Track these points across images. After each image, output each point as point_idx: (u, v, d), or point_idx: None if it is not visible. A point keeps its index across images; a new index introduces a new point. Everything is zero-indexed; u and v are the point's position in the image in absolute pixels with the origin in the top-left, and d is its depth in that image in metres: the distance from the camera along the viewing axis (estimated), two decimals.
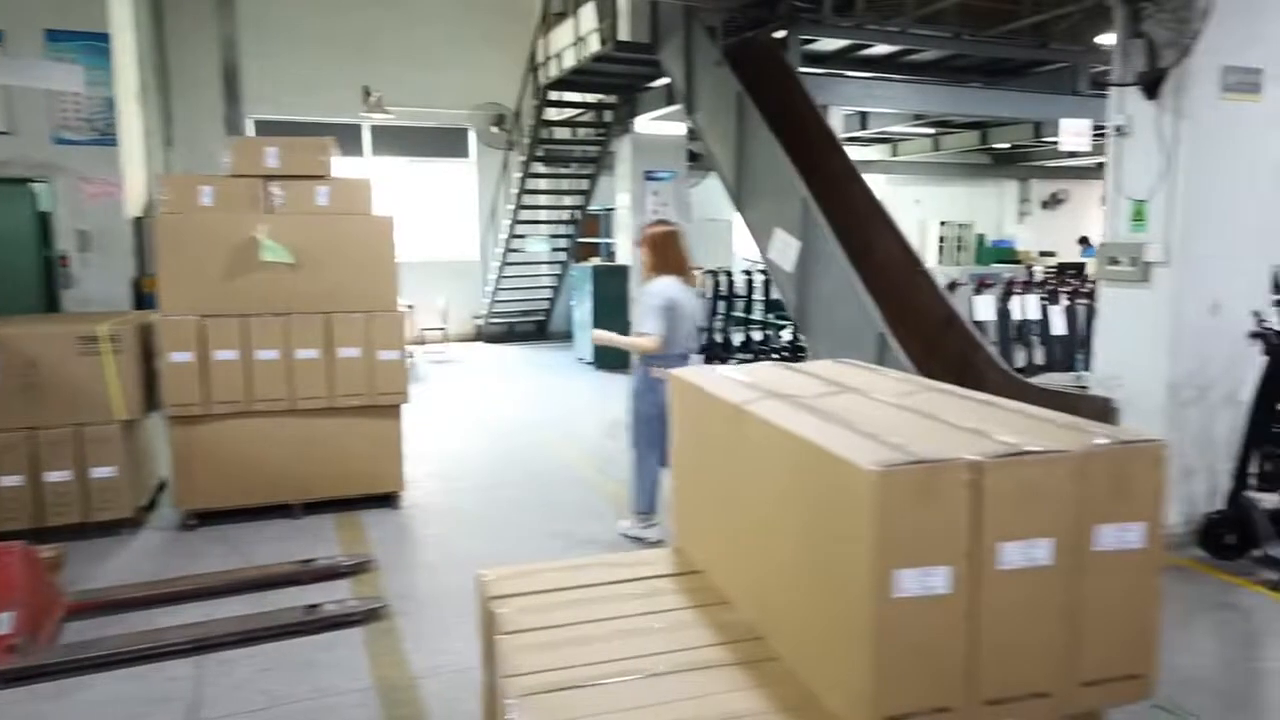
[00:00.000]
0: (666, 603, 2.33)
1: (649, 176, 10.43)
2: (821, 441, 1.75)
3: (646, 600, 2.34)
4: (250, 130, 12.20)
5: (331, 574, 4.23)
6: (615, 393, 9.03)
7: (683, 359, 4.34)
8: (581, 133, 11.94)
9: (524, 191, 11.44)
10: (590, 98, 10.77)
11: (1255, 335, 4.05)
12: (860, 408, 2.06)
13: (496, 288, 12.86)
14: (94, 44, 8.53)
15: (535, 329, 13.72)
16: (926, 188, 16.89)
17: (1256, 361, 4.12)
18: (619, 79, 9.32)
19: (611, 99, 10.40)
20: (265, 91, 12.09)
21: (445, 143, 13.40)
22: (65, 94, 8.28)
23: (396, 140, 13.12)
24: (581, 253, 13.29)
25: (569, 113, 11.37)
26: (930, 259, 16.67)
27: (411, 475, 5.98)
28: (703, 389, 2.42)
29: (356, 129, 12.86)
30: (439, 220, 13.51)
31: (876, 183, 16.85)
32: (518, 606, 2.31)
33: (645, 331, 4.32)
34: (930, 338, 5.73)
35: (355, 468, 5.17)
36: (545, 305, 13.60)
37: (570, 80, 9.61)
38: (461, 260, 13.42)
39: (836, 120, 8.56)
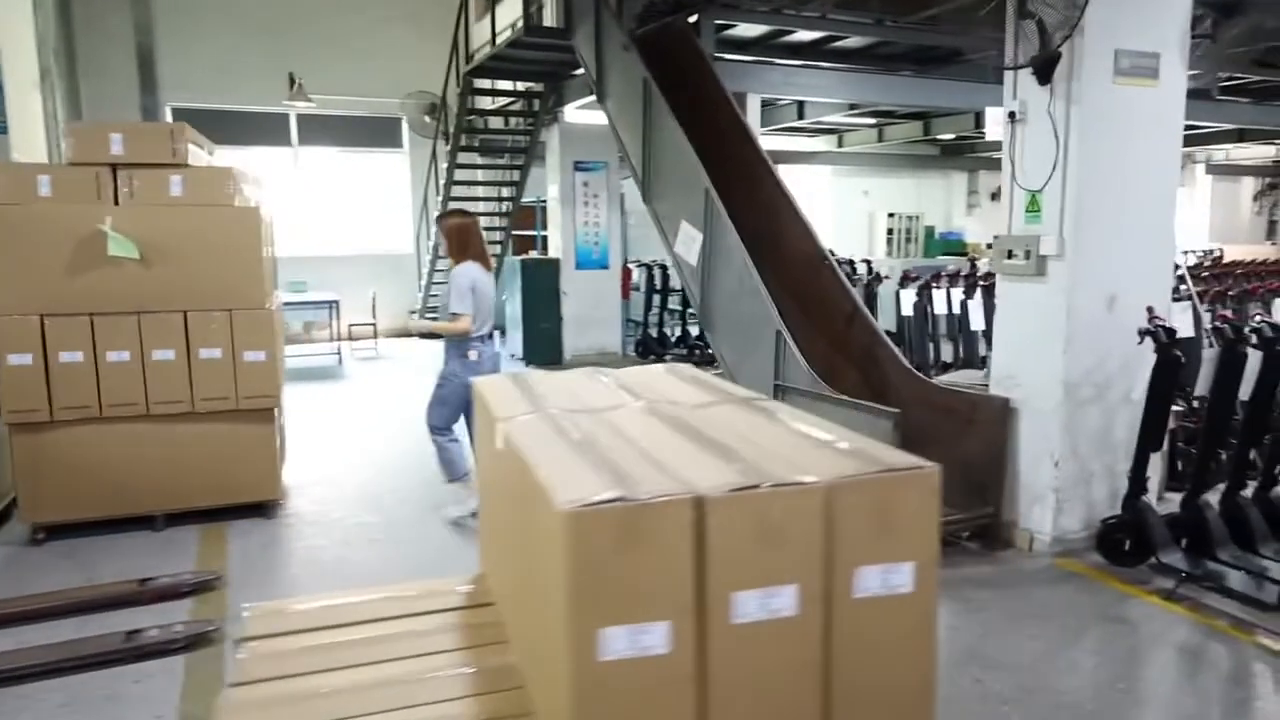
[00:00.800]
0: (440, 643, 2.06)
1: (578, 167, 10.14)
2: (539, 468, 1.50)
3: (419, 640, 2.07)
4: (168, 118, 11.74)
5: (172, 593, 3.91)
6: None
7: (490, 338, 4.80)
8: (511, 122, 11.61)
9: (451, 183, 11.09)
10: (518, 86, 10.44)
11: (1145, 333, 3.86)
12: (628, 426, 1.81)
13: (430, 281, 12.50)
14: None
15: None
16: (874, 179, 16.76)
17: (1150, 359, 3.94)
18: (540, 66, 9.01)
19: (538, 87, 10.08)
20: (183, 78, 11.63)
21: (377, 133, 13.00)
22: None
23: (326, 130, 12.70)
24: (520, 245, 12.97)
25: (499, 101, 11.04)
26: (879, 250, 16.56)
27: (299, 482, 5.68)
28: (485, 397, 2.16)
29: (284, 118, 12.42)
30: (371, 212, 13.13)
31: (823, 174, 16.76)
32: (265, 651, 2.03)
33: (458, 312, 4.60)
34: (837, 333, 5.51)
35: (223, 476, 4.83)
36: None
37: (494, 68, 9.28)
38: (395, 254, 13.04)
39: (756, 109, 8.30)
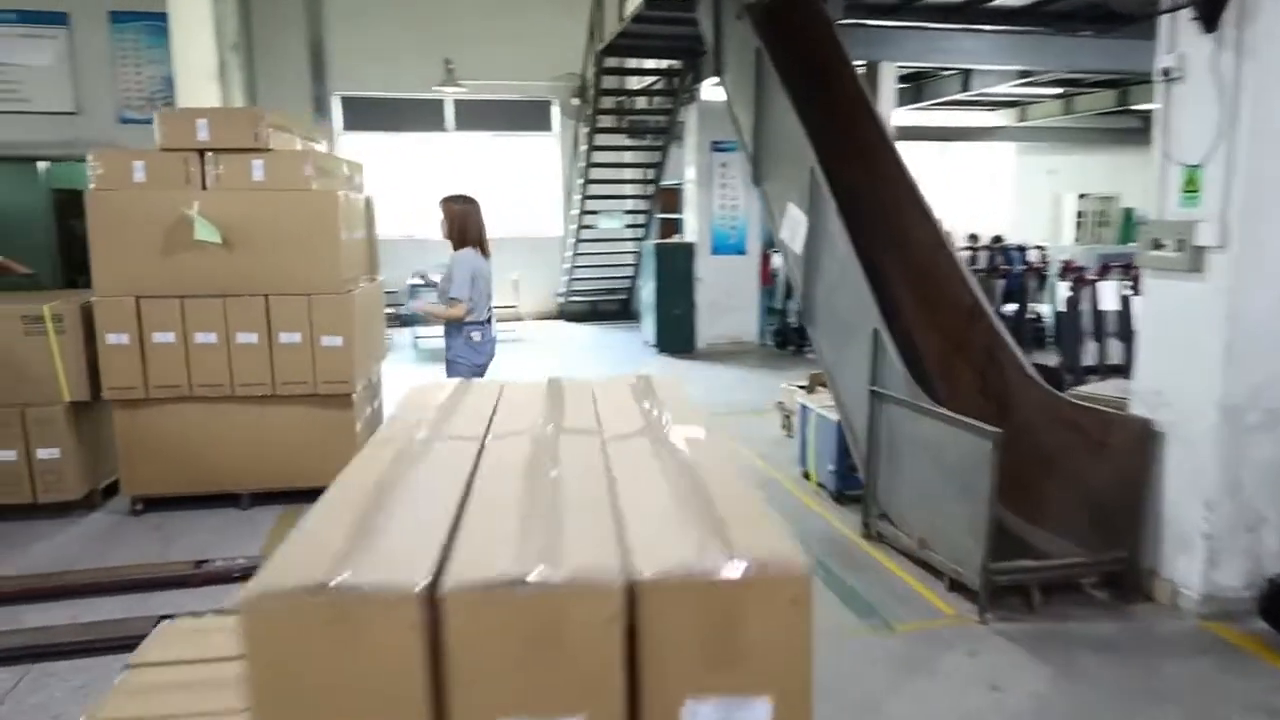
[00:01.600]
0: None
1: (716, 147, 9.68)
2: (303, 526, 1.18)
3: None
4: (336, 107, 12.37)
5: (224, 577, 3.94)
6: (684, 382, 8.44)
7: (489, 323, 4.76)
8: (654, 102, 11.31)
9: (590, 165, 10.95)
10: (655, 63, 10.12)
11: None
12: (485, 466, 1.45)
13: (573, 265, 12.49)
14: (156, 24, 8.69)
15: (619, 308, 13.27)
16: (1062, 157, 15.10)
17: None
18: (669, 41, 8.63)
19: (676, 64, 9.71)
20: (350, 68, 12.17)
21: (528, 116, 13.09)
22: (126, 70, 8.51)
23: (480, 114, 12.93)
24: (665, 229, 12.69)
25: (635, 81, 10.77)
26: (1066, 236, 14.95)
27: None
28: (397, 413, 1.86)
29: (440, 104, 12.76)
30: (520, 196, 13.27)
31: (1005, 152, 15.29)
32: (139, 684, 1.86)
33: (457, 298, 4.54)
34: (957, 330, 4.82)
35: (302, 460, 4.86)
36: (627, 284, 13.10)
37: (624, 45, 9.00)
38: (543, 237, 13.13)
39: (890, 80, 7.49)
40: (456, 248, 4.65)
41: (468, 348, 4.64)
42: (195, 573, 3.94)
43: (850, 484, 4.81)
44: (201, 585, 3.88)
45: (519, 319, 12.42)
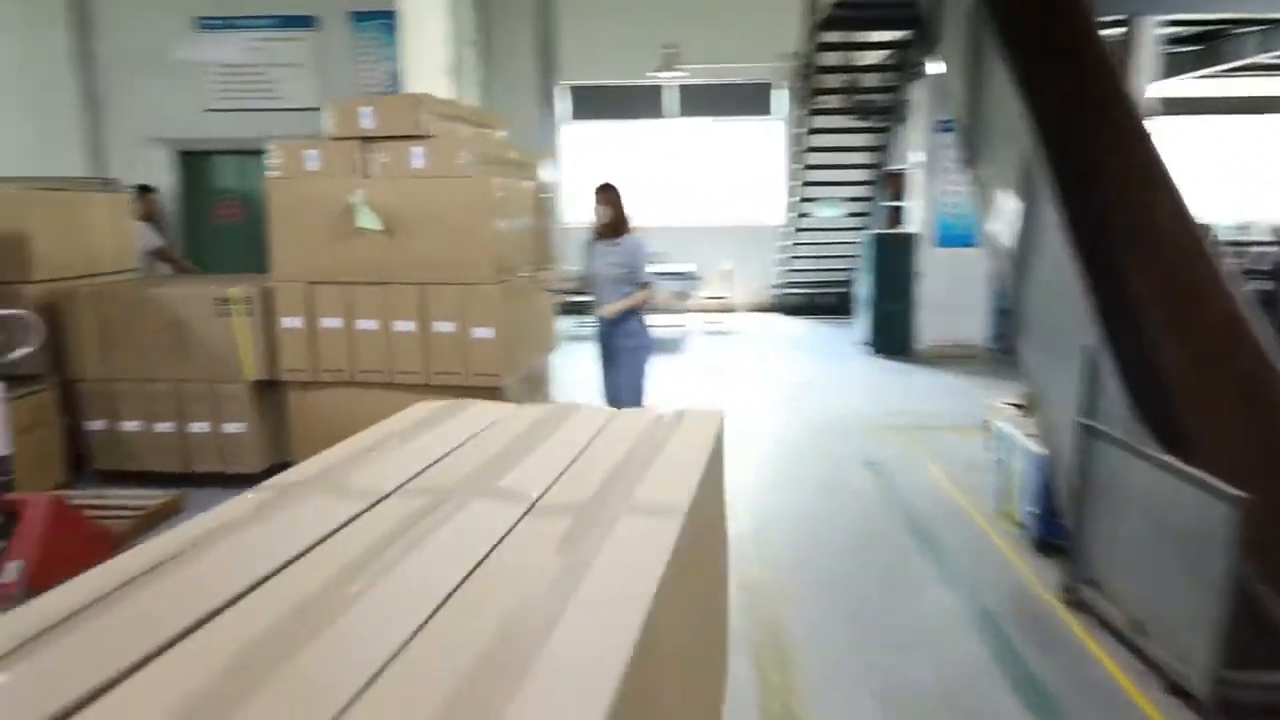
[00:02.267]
0: None
1: (944, 127, 8.64)
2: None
3: None
4: (562, 98, 12.59)
5: None
6: (887, 387, 7.70)
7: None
8: (877, 80, 10.38)
9: (808, 149, 10.27)
10: (880, 36, 9.23)
11: None
12: (298, 566, 1.07)
13: (789, 256, 11.87)
14: (389, 22, 9.18)
15: (837, 302, 12.45)
16: None
17: None
18: (887, 10, 7.77)
19: (903, 35, 8.78)
20: (577, 58, 12.33)
21: (750, 99, 12.58)
22: (364, 66, 9.08)
23: (700, 99, 12.61)
24: (891, 218, 11.69)
25: (860, 57, 9.91)
26: None
27: None
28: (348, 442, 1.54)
29: (659, 90, 12.59)
30: (742, 182, 12.81)
31: None
32: None
33: (648, 281, 4.74)
34: (1215, 352, 3.78)
35: None
36: (847, 277, 12.24)
37: (841, 18, 8.25)
38: (760, 225, 12.59)
39: (1148, 40, 6.13)
40: (616, 234, 4.75)
41: (648, 332, 4.77)
42: None
43: (1055, 531, 3.94)
44: None
45: (729, 310, 12.00)
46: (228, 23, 9.43)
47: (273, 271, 4.81)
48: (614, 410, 1.84)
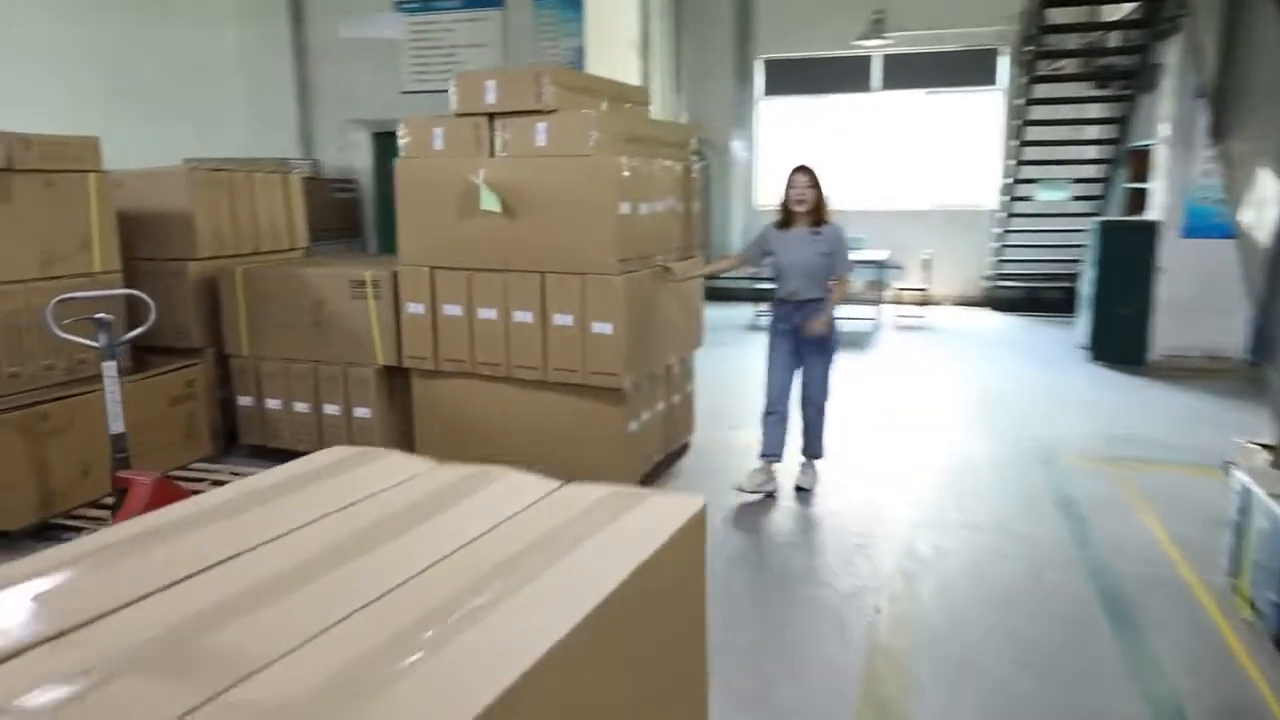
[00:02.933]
0: None
1: (1201, 94, 7.15)
2: None
3: None
4: (759, 71, 11.91)
5: None
6: (1104, 405, 6.55)
7: None
8: (1117, 38, 8.84)
9: (1027, 122, 8.98)
10: None
11: None
12: None
13: (1001, 244, 10.55)
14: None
15: (1062, 298, 10.94)
16: None
17: None
18: None
19: None
20: (774, 28, 11.62)
21: (969, 68, 11.27)
22: (545, 44, 8.93)
23: (911, 70, 11.46)
24: (1133, 203, 10.04)
25: (1098, 13, 8.46)
26: None
27: (697, 468, 5.06)
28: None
29: (865, 62, 11.57)
30: (956, 161, 11.54)
31: None
32: None
33: (847, 273, 4.46)
34: None
35: (573, 454, 4.45)
36: (1075, 270, 10.71)
37: None
38: (971, 209, 11.30)
39: None
40: (817, 222, 4.35)
41: (835, 325, 4.47)
42: None
43: None
44: None
45: (929, 303, 10.88)
46: (424, 6, 9.63)
47: (400, 254, 4.65)
48: (550, 483, 1.39)
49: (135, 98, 9.87)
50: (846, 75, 11.69)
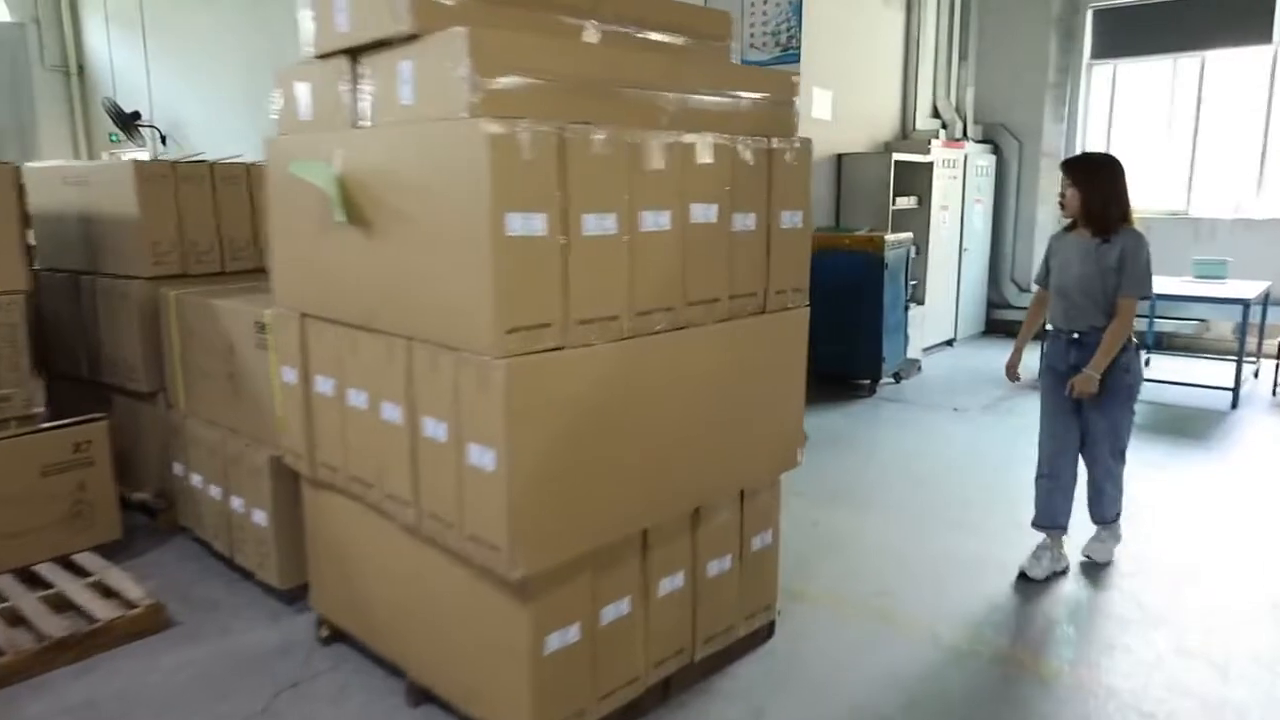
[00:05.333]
0: None
1: None
2: None
3: None
4: (1087, 25, 8.62)
5: None
6: None
7: None
8: None
9: None
10: None
11: None
12: None
13: None
14: None
15: None
16: None
17: None
18: None
19: None
20: None
21: None
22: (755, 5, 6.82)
23: None
24: None
25: None
26: None
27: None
28: None
29: (1259, 4, 7.79)
30: None
31: None
32: None
33: (1139, 296, 3.39)
34: None
35: (463, 652, 2.47)
36: None
37: None
38: None
39: None
40: (1105, 229, 3.40)
41: (1137, 362, 3.53)
42: None
43: None
44: None
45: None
46: None
47: (273, 290, 2.96)
48: None
49: None
50: (1227, 24, 8.00)
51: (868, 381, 6.77)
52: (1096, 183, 3.41)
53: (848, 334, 6.54)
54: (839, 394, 6.63)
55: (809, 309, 2.93)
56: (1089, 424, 3.55)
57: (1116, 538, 3.79)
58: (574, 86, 2.19)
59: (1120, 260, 3.34)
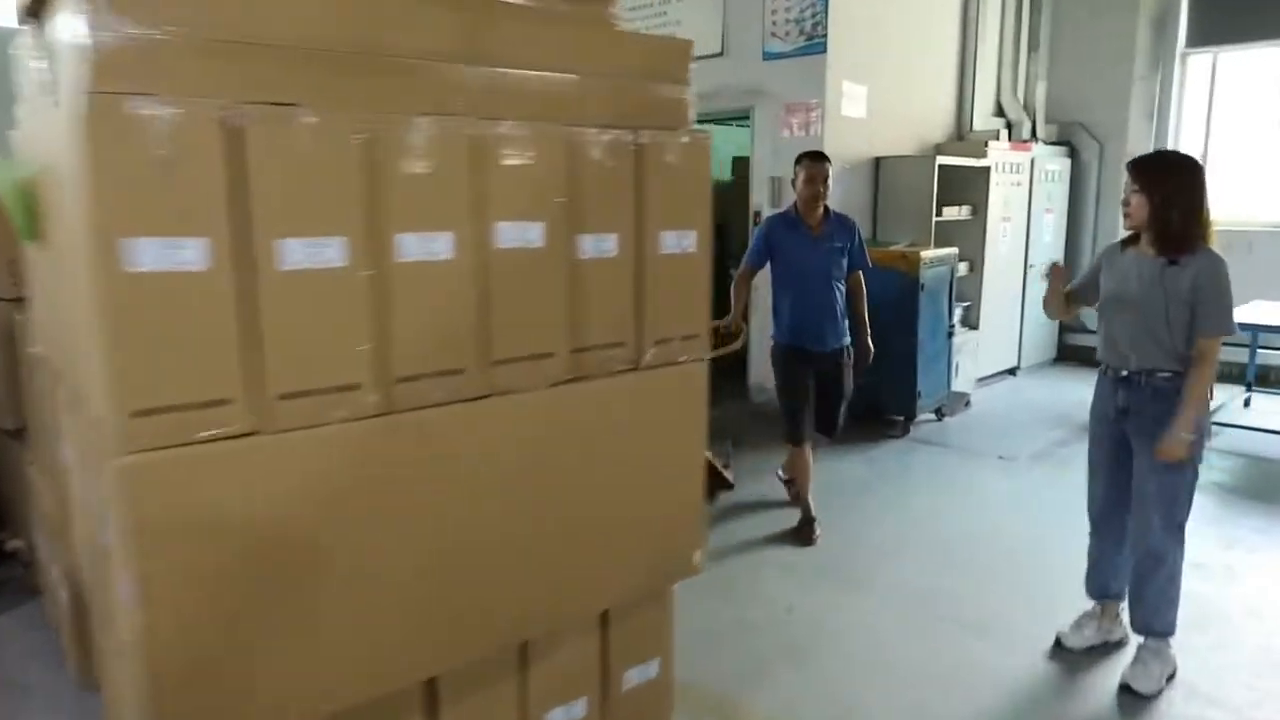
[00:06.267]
0: None
1: None
2: None
3: None
4: (1182, 9, 7.45)
5: None
6: None
7: None
8: None
9: None
10: None
11: None
12: None
13: None
14: None
15: None
16: None
17: None
18: None
19: None
20: None
21: None
22: None
23: None
24: None
25: None
26: None
27: None
28: None
29: None
30: None
31: None
32: None
33: (1218, 333, 2.73)
34: None
35: None
36: None
37: None
38: None
39: None
40: (1178, 248, 2.73)
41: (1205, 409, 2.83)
42: None
43: None
44: None
45: None
46: None
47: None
48: None
49: None
50: None
51: (900, 419, 5.86)
52: (1171, 189, 2.75)
53: (877, 365, 5.64)
54: (867, 434, 5.72)
55: (707, 363, 2.15)
56: (1137, 484, 2.91)
57: (1168, 662, 2.86)
58: (288, 51, 1.49)
59: (1195, 289, 2.73)
